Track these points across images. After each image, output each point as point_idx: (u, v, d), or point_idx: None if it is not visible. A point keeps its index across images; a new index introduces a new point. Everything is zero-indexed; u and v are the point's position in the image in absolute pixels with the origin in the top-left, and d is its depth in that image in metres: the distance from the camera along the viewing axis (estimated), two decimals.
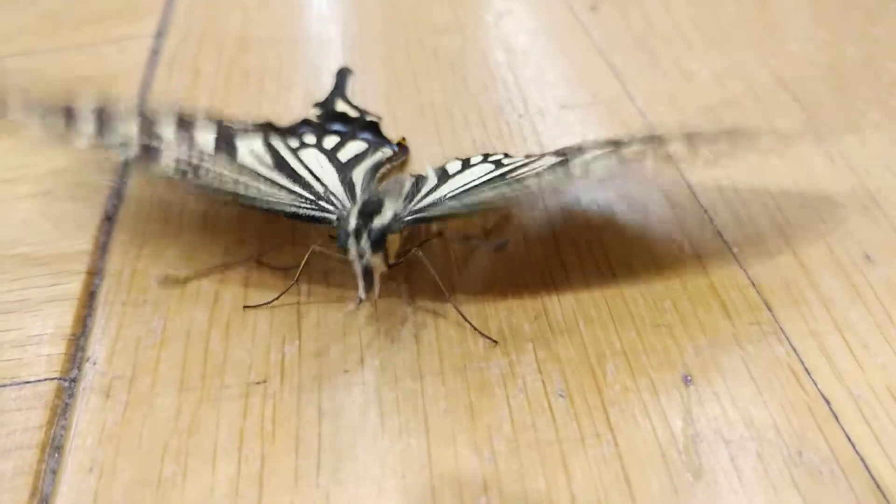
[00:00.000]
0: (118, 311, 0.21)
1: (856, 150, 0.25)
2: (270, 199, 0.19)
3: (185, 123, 0.21)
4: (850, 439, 0.17)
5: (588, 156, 0.19)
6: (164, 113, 0.21)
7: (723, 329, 0.20)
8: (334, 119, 0.25)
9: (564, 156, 0.20)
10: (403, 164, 0.24)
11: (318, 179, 0.21)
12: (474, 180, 0.20)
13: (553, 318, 0.20)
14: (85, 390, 0.19)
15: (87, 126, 0.20)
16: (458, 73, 0.29)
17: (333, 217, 0.19)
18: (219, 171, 0.19)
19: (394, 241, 0.19)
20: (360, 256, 0.17)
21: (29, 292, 0.21)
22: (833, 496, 0.16)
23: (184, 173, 0.19)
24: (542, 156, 0.21)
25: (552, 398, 0.18)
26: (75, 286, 0.21)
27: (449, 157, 0.23)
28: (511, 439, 0.17)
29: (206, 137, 0.21)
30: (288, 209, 0.19)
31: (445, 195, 0.20)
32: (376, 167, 0.22)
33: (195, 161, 0.19)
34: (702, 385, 0.18)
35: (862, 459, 0.17)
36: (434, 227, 0.21)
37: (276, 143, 0.22)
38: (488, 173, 0.20)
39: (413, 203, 0.20)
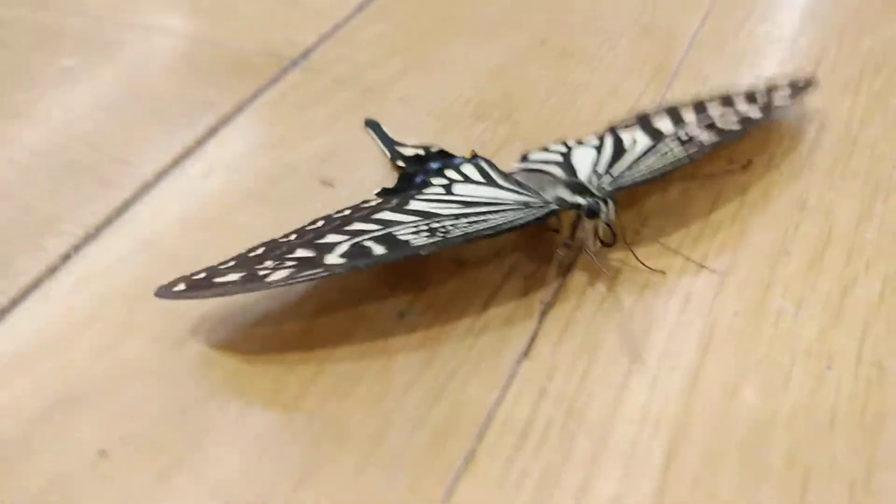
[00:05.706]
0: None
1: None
2: (501, 221, 0.22)
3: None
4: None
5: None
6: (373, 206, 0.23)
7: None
8: (418, 162, 0.26)
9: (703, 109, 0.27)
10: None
11: (504, 192, 0.24)
12: (642, 149, 0.25)
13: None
14: None
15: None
16: None
17: (554, 207, 0.23)
18: (450, 224, 0.22)
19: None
20: (606, 215, 0.22)
21: None
22: None
23: (430, 234, 0.22)
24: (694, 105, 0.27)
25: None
26: None
27: (553, 143, 0.26)
28: None
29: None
30: (520, 222, 0.22)
31: (632, 162, 0.24)
32: (502, 174, 0.25)
33: (432, 225, 0.22)
34: None
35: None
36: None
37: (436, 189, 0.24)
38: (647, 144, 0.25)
39: (600, 177, 0.24)
